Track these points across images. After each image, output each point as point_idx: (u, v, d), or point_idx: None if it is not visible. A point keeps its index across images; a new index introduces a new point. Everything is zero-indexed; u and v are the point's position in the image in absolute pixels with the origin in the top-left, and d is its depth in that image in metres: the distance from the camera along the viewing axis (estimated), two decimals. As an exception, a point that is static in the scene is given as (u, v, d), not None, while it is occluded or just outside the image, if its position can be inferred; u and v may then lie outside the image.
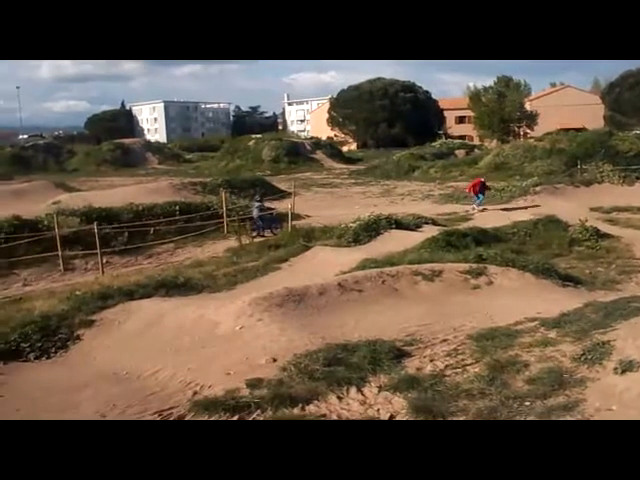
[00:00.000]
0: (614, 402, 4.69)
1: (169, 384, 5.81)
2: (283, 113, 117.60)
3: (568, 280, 9.13)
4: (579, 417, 4.57)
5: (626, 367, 4.98)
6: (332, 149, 48.39)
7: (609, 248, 11.91)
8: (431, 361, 6.03)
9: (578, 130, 34.72)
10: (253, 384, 5.51)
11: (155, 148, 52.88)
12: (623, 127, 44.92)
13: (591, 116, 55.72)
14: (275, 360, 6.05)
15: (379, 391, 5.35)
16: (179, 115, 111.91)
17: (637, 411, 4.57)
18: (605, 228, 13.84)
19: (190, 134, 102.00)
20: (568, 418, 4.57)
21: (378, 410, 5.03)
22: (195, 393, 5.53)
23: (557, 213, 15.00)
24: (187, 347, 6.63)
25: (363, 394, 5.35)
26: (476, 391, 5.16)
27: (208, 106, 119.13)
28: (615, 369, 5.04)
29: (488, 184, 20.54)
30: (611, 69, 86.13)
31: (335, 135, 65.71)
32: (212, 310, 7.65)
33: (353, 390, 5.41)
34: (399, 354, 6.19)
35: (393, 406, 5.06)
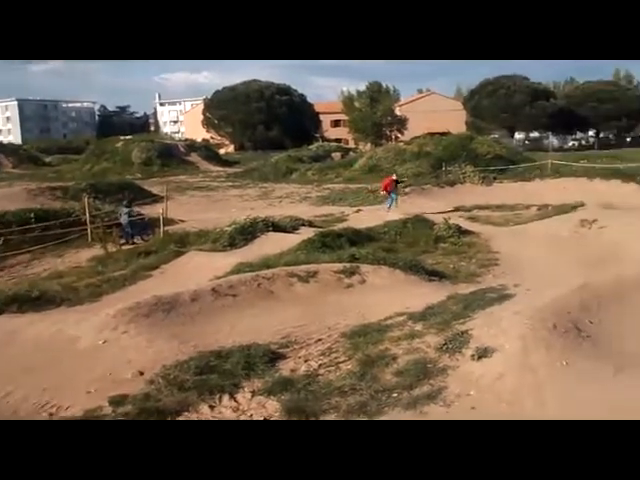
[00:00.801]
0: (472, 388, 5.07)
1: (21, 407, 5.32)
2: (155, 114, 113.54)
3: (434, 275, 9.72)
4: (442, 404, 4.89)
5: (482, 354, 5.42)
6: (208, 151, 47.47)
7: (470, 244, 12.86)
8: (305, 361, 6.12)
9: (443, 134, 37.13)
10: (117, 401, 5.23)
11: (8, 150, 48.48)
12: (483, 132, 48.95)
13: (455, 121, 60.00)
14: (142, 373, 5.79)
15: (252, 396, 5.32)
16: (36, 114, 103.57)
17: (492, 395, 4.97)
18: (467, 225, 14.92)
19: (50, 135, 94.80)
20: (432, 405, 4.87)
21: (251, 415, 5.00)
22: (51, 415, 5.12)
23: (425, 212, 15.93)
24: (42, 365, 6.13)
25: (236, 400, 5.29)
26: (348, 387, 5.32)
27: (70, 105, 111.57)
28: (472, 356, 5.45)
29: (398, 179, 20.14)
30: (472, 77, 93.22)
31: (211, 137, 64.67)
32: (71, 324, 7.14)
33: (226, 397, 5.33)
34: (274, 357, 6.21)
35: (267, 410, 5.06)
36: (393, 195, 18.85)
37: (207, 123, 65.92)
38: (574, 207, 15.17)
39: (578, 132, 74.75)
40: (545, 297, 6.84)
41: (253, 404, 5.17)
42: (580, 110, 64.86)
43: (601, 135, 71.52)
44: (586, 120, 66.41)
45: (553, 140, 69.29)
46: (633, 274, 8.11)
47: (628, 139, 69.83)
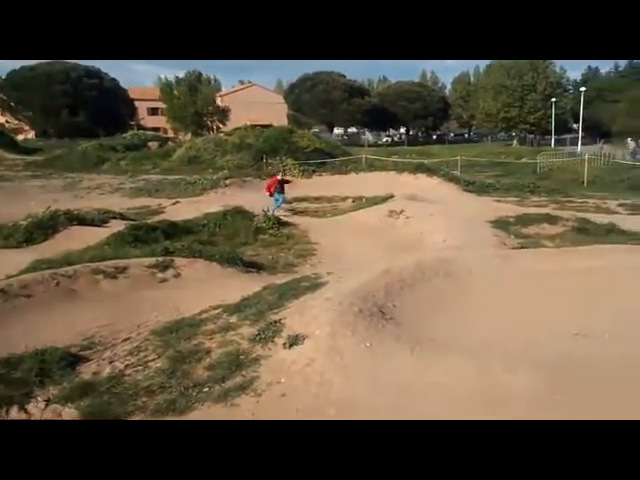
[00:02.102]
0: (283, 375, 5.23)
1: None
2: None
3: (252, 267, 9.87)
4: (252, 394, 4.97)
5: (293, 341, 5.62)
6: (2, 137, 42.56)
7: (289, 235, 13.28)
8: (110, 363, 5.80)
9: (265, 127, 37.68)
10: None
11: None
12: (303, 125, 50.76)
13: (277, 114, 61.29)
14: None
15: (46, 405, 4.90)
16: None
17: (302, 380, 5.18)
18: (288, 217, 15.37)
19: None
20: (243, 396, 4.92)
21: (45, 426, 4.60)
22: None
23: (245, 204, 16.02)
24: None
25: (27, 412, 4.83)
26: (156, 386, 5.16)
27: None
28: (284, 344, 5.63)
29: (288, 178, 18.97)
30: (292, 71, 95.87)
31: (6, 121, 57.94)
32: None
33: (14, 409, 4.83)
34: (74, 361, 5.79)
35: (63, 418, 4.69)
36: (278, 197, 17.51)
37: (1, 106, 58.94)
38: (384, 199, 16.41)
39: (391, 129, 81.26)
40: (354, 283, 7.31)
41: (47, 413, 4.76)
42: (392, 108, 70.47)
43: (411, 132, 78.51)
44: (397, 118, 72.36)
45: (369, 136, 74.43)
46: (432, 259, 9.02)
47: (434, 136, 77.65)
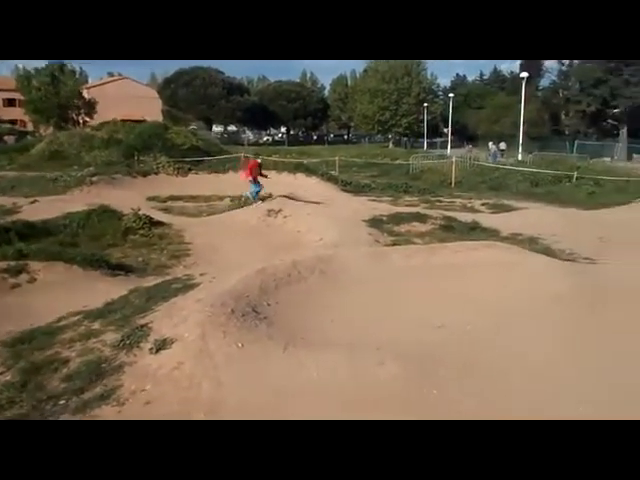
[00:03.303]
0: (149, 382, 5.02)
1: None
2: None
3: (119, 269, 9.39)
4: (115, 404, 4.72)
5: (160, 346, 5.42)
6: None
7: (162, 235, 12.82)
8: (-53, 380, 5.23)
9: (138, 122, 36.20)
10: None
11: None
12: (180, 122, 49.35)
13: (150, 109, 59.04)
14: None
15: None
16: None
17: (170, 385, 5.00)
18: (160, 216, 14.84)
19: None
20: (104, 407, 4.65)
21: None
22: None
23: (114, 203, 15.24)
24: None
25: None
26: (5, 401, 4.74)
27: None
28: (151, 349, 5.41)
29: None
30: (166, 65, 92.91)
31: None
32: None
33: None
34: None
35: None
36: (255, 187, 16.54)
37: None
38: (263, 198, 16.38)
39: (271, 128, 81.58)
40: (228, 284, 7.21)
41: None
42: (272, 107, 70.73)
43: (291, 132, 79.32)
44: (277, 117, 72.77)
45: (249, 134, 74.16)
46: (308, 258, 9.13)
47: (314, 137, 79.06)
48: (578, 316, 7.22)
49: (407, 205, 17.32)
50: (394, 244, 10.83)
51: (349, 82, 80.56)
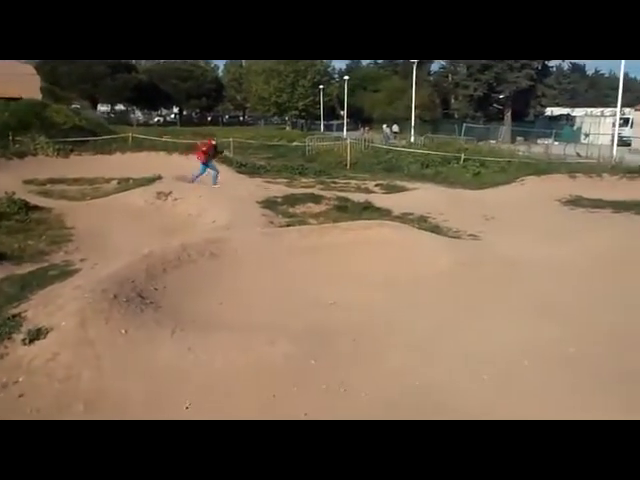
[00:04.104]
0: (21, 374, 4.74)
1: None
2: None
3: (-8, 257, 8.73)
4: None
5: (34, 336, 5.12)
6: None
7: (40, 220, 12.03)
8: None
9: (12, 100, 33.54)
10: None
11: None
12: (62, 100, 46.33)
13: (27, 86, 54.88)
14: None
15: None
16: None
17: (45, 376, 4.75)
18: (39, 201, 13.92)
19: None
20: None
21: None
22: None
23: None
24: None
25: None
26: None
27: None
28: (24, 340, 5.10)
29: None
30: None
31: None
32: None
33: None
34: None
35: None
36: (210, 166, 15.95)
37: None
38: (152, 180, 15.84)
39: (163, 108, 78.79)
40: (111, 269, 6.93)
41: None
42: (163, 86, 68.20)
43: (184, 113, 77.05)
44: (169, 96, 70.33)
45: (138, 114, 71.20)
46: (198, 240, 8.96)
47: (209, 118, 77.31)
48: (463, 289, 7.68)
49: (302, 187, 17.44)
50: (288, 225, 10.88)
51: (243, 62, 79.46)
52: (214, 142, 16.72)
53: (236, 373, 5.13)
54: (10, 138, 23.24)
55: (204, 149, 16.26)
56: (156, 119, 75.09)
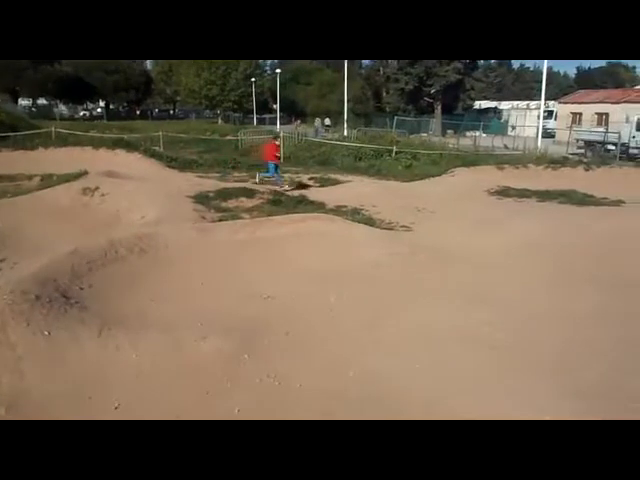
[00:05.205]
0: None
1: None
2: None
3: None
4: None
5: (-53, 340, 4.83)
6: None
7: (-45, 220, 11.36)
8: None
9: None
10: None
11: None
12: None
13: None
14: None
15: None
16: None
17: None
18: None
19: None
20: None
21: None
22: None
23: None
24: None
25: None
26: None
27: None
28: None
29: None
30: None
31: None
32: None
33: None
34: None
35: None
36: (272, 165, 15.75)
37: None
38: (77, 176, 15.24)
39: (88, 102, 76.00)
40: (32, 268, 6.63)
41: None
42: (88, 79, 65.79)
43: (111, 107, 74.64)
44: (95, 90, 67.93)
45: (62, 108, 68.42)
46: (127, 236, 8.70)
47: (138, 112, 75.19)
48: (396, 279, 7.82)
49: (236, 181, 17.27)
50: (220, 220, 10.74)
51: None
52: (278, 143, 16.69)
53: (167, 371, 5.04)
54: None
55: (272, 150, 16.28)
56: (82, 113, 72.46)
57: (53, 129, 25.67)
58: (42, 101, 71.72)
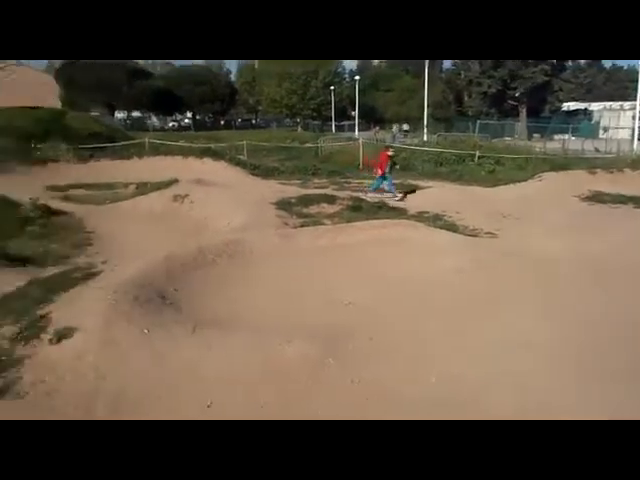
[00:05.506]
0: (48, 373, 4.87)
1: None
2: None
3: (18, 260, 8.93)
4: (15, 396, 4.56)
5: (60, 336, 5.25)
6: None
7: (63, 224, 12.26)
8: None
9: (34, 109, 34.09)
10: None
11: None
12: (80, 108, 47.03)
13: (47, 95, 55.70)
14: None
15: None
16: None
17: (71, 375, 4.87)
18: (61, 206, 14.16)
19: None
20: (4, 401, 4.49)
21: None
22: None
23: (10, 193, 14.37)
24: None
25: None
26: None
27: None
28: (50, 340, 5.23)
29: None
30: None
31: None
32: None
33: None
34: None
35: None
36: (387, 176, 15.32)
37: None
38: (168, 183, 16.01)
39: (177, 114, 79.37)
40: (131, 270, 7.06)
41: None
42: (177, 91, 68.74)
43: (198, 117, 77.58)
44: (183, 101, 70.84)
45: (154, 120, 71.83)
46: (215, 242, 9.08)
47: (222, 122, 77.74)
48: (481, 287, 7.68)
49: (316, 187, 17.51)
50: (302, 226, 10.96)
51: (256, 65, 79.87)
52: (390, 153, 16.07)
53: (254, 372, 5.20)
54: (32, 145, 23.66)
55: (382, 161, 15.58)
56: (171, 124, 75.71)
57: (147, 140, 27.02)
58: (136, 113, 75.63)
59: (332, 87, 60.79)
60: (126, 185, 18.63)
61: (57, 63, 72.59)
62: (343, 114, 68.68)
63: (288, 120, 71.39)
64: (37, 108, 33.49)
